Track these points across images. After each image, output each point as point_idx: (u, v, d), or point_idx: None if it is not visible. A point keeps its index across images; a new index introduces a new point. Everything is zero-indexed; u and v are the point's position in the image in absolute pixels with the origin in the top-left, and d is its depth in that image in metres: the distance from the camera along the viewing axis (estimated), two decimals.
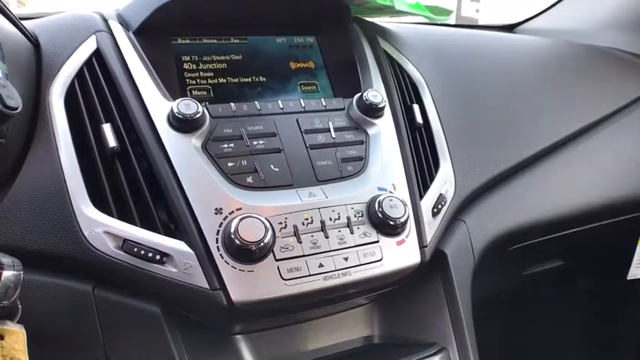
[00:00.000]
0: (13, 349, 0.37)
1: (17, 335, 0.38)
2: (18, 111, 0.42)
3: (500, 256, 0.68)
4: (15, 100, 0.41)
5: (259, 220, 0.48)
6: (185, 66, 0.64)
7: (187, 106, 0.53)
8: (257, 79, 0.67)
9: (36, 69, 0.57)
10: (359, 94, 0.62)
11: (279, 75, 0.68)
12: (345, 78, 0.69)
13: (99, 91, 0.56)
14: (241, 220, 0.47)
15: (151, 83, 0.57)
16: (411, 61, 0.74)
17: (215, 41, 0.68)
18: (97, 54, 0.58)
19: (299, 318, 0.57)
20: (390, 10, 0.73)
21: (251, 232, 0.47)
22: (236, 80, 0.66)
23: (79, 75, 0.57)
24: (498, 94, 0.80)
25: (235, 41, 0.69)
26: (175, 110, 0.52)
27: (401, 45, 0.75)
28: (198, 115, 0.53)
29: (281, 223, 0.50)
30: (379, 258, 0.52)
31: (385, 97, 0.62)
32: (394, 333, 0.59)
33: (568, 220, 0.72)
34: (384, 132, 0.61)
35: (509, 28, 1.28)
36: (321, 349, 0.58)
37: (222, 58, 0.67)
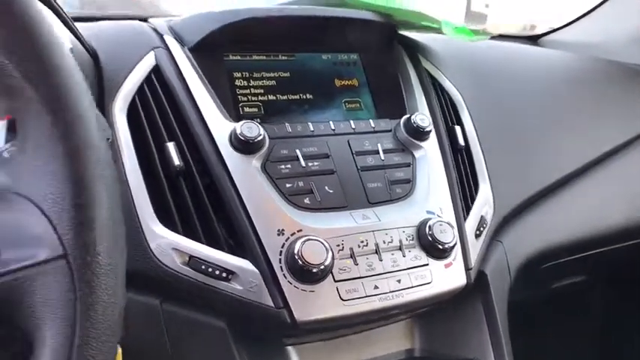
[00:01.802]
0: None
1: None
2: (109, 141, 0.43)
3: (532, 273, 0.71)
4: (107, 132, 0.43)
5: (321, 243, 0.50)
6: (237, 82, 0.66)
7: (250, 129, 0.55)
8: (304, 97, 0.69)
9: (97, 84, 0.59)
10: (406, 117, 0.64)
11: (325, 92, 0.70)
12: (388, 97, 0.71)
13: (160, 108, 0.58)
14: (304, 242, 0.50)
15: (210, 101, 0.58)
16: (449, 78, 0.76)
17: (264, 57, 0.69)
18: (156, 70, 0.60)
19: (346, 330, 0.60)
20: (436, 31, 0.75)
21: (314, 255, 0.49)
22: (285, 97, 0.68)
23: (140, 91, 0.58)
24: (533, 112, 0.82)
25: (283, 58, 0.70)
26: (238, 132, 0.55)
27: (439, 62, 0.77)
28: (260, 138, 0.55)
29: (338, 245, 0.53)
30: (429, 280, 0.55)
31: (431, 121, 0.64)
32: (433, 347, 0.62)
33: (603, 239, 0.74)
34: (430, 154, 0.63)
35: (533, 39, 1.29)
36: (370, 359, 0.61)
37: (272, 74, 0.69)
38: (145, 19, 0.77)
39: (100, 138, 0.29)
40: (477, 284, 0.61)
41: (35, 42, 0.28)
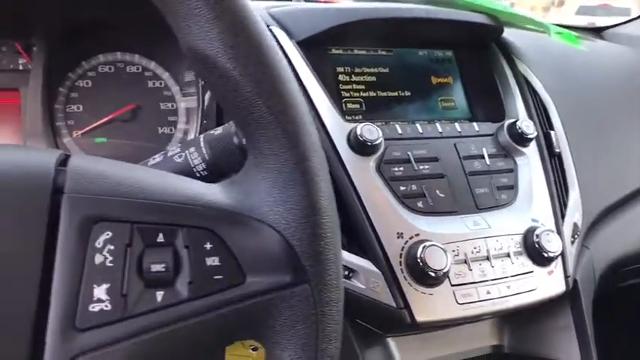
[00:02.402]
0: None
1: None
2: None
3: (610, 277, 0.73)
4: None
5: (441, 248, 0.52)
6: (340, 77, 0.67)
7: (370, 132, 0.56)
8: (402, 94, 0.70)
9: None
10: (511, 122, 0.64)
11: (422, 90, 0.71)
12: (484, 98, 0.72)
13: None
14: (426, 248, 0.52)
15: (324, 98, 0.59)
16: (540, 80, 0.76)
17: (365, 52, 0.70)
18: None
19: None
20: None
21: (435, 260, 0.51)
22: (385, 94, 0.69)
23: None
24: (615, 112, 0.82)
25: (382, 53, 0.71)
26: (359, 133, 0.56)
27: (530, 62, 0.77)
28: (379, 141, 0.56)
29: (454, 250, 0.55)
30: (534, 287, 0.57)
31: (534, 127, 0.65)
32: (519, 345, 0.66)
33: None
34: (531, 161, 0.64)
35: (597, 30, 1.28)
36: (456, 354, 0.64)
37: (372, 70, 0.69)
38: None
39: None
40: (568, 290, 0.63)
41: (280, 79, 0.29)
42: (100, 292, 0.26)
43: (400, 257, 0.53)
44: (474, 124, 0.66)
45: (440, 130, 0.63)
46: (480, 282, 0.55)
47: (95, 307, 0.26)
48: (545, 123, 0.71)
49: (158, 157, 0.41)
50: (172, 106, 0.60)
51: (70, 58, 0.56)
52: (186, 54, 0.30)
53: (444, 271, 0.52)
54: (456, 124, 0.64)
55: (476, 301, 0.54)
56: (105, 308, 0.26)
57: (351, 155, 0.56)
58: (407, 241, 0.53)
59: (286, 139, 0.29)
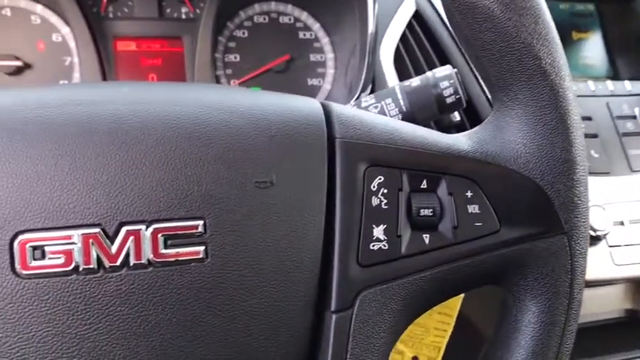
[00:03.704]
0: (446, 306, 0.45)
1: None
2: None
3: None
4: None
5: (602, 209, 0.52)
6: None
7: None
8: None
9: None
10: None
11: (563, 45, 0.68)
12: (627, 55, 0.69)
13: (425, 56, 0.58)
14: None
15: None
16: None
17: None
18: (417, 16, 0.60)
19: None
20: None
21: (597, 220, 0.51)
22: None
23: (403, 39, 0.59)
24: None
25: None
26: None
27: None
28: None
29: (611, 212, 0.54)
30: None
31: None
32: None
33: None
34: None
35: None
36: (589, 314, 0.64)
37: None
38: None
39: None
40: None
41: (551, 30, 0.30)
42: (378, 232, 0.27)
43: None
44: (626, 82, 0.63)
45: (592, 88, 0.61)
46: (637, 244, 0.54)
47: (375, 246, 0.27)
48: None
49: None
50: (321, 57, 0.60)
51: (229, 8, 0.57)
52: (450, 3, 0.30)
53: (605, 232, 0.51)
54: (608, 82, 0.62)
55: (633, 263, 0.53)
56: (383, 247, 0.27)
57: None
58: None
59: (552, 93, 0.29)
